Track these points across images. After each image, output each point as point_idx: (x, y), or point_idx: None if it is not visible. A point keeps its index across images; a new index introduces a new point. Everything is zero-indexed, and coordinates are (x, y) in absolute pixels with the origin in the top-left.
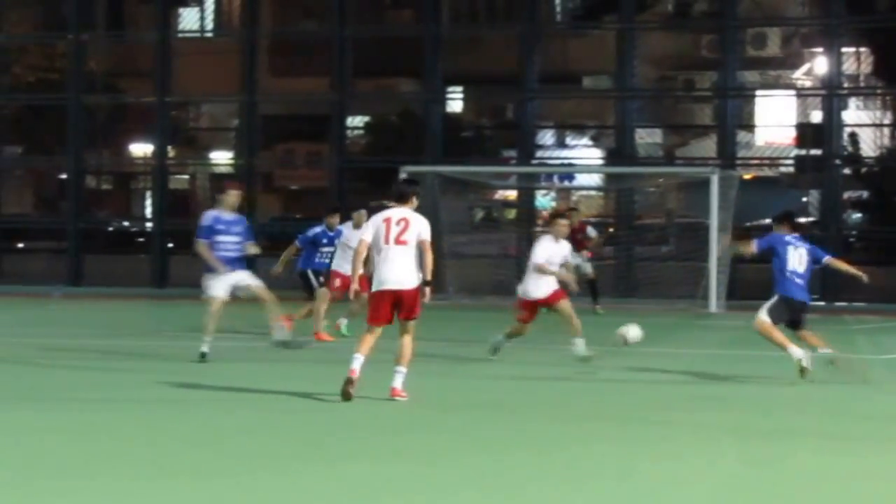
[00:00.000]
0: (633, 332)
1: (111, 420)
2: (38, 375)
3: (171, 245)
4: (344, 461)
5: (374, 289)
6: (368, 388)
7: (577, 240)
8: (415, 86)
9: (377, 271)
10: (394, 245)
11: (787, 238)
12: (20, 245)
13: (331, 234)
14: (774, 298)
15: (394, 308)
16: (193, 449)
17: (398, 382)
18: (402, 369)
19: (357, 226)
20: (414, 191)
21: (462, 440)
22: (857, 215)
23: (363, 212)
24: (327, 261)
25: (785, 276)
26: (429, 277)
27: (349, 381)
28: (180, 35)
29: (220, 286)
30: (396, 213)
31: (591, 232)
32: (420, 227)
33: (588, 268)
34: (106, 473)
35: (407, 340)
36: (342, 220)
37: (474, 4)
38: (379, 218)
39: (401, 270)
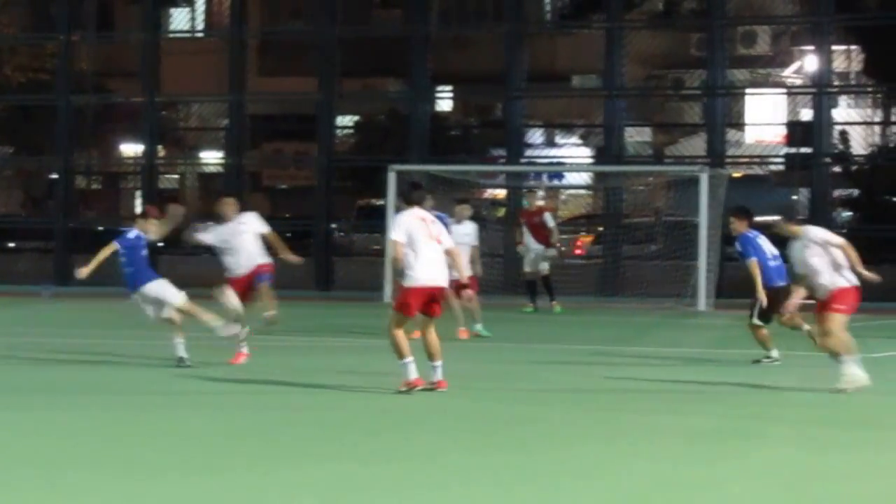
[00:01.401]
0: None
1: (102, 419)
2: (30, 374)
3: (160, 244)
4: (331, 461)
5: (408, 285)
6: (357, 387)
7: (533, 224)
8: (402, 85)
9: (415, 269)
10: (432, 243)
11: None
12: (10, 244)
13: None
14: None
15: (425, 304)
16: (188, 448)
17: (440, 374)
18: (440, 362)
19: (459, 221)
20: (421, 196)
21: (446, 440)
22: (847, 214)
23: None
24: None
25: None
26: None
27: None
28: (169, 35)
29: None
30: (420, 213)
31: (550, 221)
32: (442, 230)
33: (545, 265)
34: (98, 472)
35: (434, 336)
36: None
37: (462, 4)
38: (408, 218)
39: (439, 268)
